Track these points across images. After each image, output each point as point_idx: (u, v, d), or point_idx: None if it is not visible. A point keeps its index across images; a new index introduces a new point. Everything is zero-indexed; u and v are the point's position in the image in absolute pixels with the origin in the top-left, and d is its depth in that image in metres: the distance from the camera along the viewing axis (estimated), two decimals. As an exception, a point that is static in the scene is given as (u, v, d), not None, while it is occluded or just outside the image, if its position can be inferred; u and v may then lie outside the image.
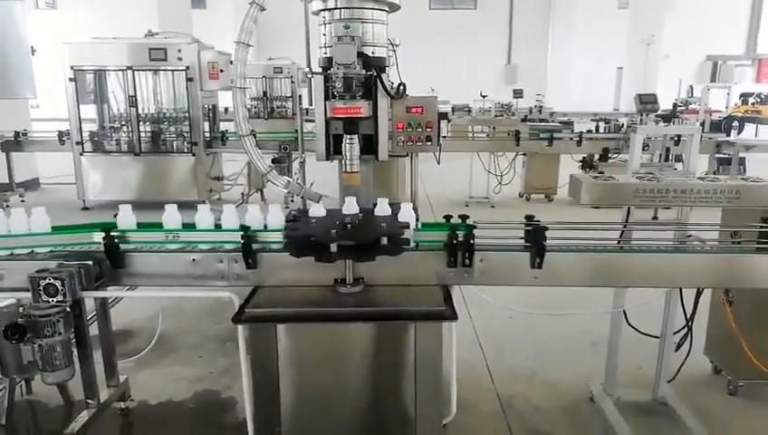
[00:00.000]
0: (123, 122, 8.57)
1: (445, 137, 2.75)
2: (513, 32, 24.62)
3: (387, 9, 2.47)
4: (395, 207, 2.38)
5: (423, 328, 2.15)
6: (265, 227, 2.38)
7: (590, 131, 8.74)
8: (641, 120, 6.96)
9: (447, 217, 2.39)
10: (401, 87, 2.52)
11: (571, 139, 8.08)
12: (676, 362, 3.11)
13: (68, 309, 2.28)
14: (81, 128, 8.32)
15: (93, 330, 2.75)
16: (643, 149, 6.74)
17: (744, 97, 21.02)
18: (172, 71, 8.14)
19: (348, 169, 2.44)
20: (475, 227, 2.33)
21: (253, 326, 2.20)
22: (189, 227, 2.45)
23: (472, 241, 2.31)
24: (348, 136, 2.41)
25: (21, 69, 7.04)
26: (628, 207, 2.84)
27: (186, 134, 8.37)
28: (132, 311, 4.17)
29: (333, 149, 2.51)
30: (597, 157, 7.97)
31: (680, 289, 2.84)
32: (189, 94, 8.09)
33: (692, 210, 2.84)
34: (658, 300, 3.03)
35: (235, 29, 2.45)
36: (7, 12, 6.86)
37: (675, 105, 10.77)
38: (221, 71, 8.02)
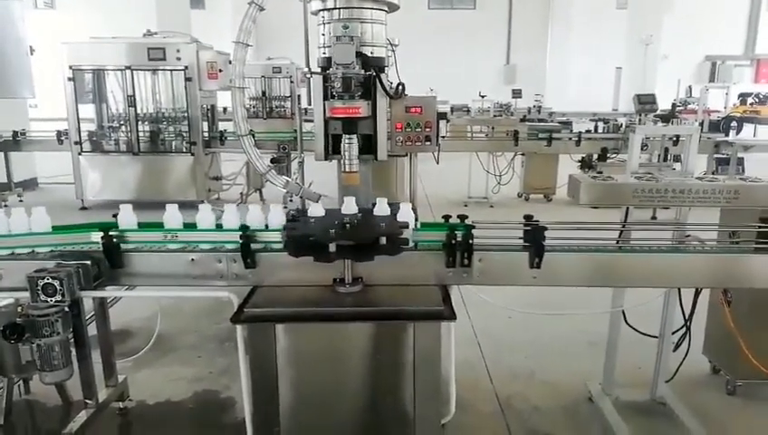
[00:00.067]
0: (122, 122, 8.56)
1: (444, 137, 2.74)
2: (512, 32, 24.65)
3: (386, 9, 2.46)
4: (394, 206, 2.38)
5: (422, 328, 2.15)
6: (266, 226, 2.38)
7: (588, 131, 8.77)
8: (640, 120, 6.94)
9: (446, 217, 2.38)
10: (400, 87, 2.51)
11: (570, 139, 8.09)
12: (674, 362, 3.11)
13: (66, 309, 2.28)
14: (79, 127, 8.32)
15: (92, 330, 2.75)
16: (642, 150, 6.75)
17: (743, 97, 21.07)
18: (171, 70, 8.13)
19: (347, 169, 2.44)
20: (474, 227, 2.33)
21: (251, 326, 2.20)
22: (188, 226, 2.45)
23: (471, 241, 2.31)
24: (347, 136, 2.41)
25: (19, 69, 7.04)
26: (627, 207, 2.84)
27: (184, 134, 8.37)
28: (131, 311, 4.16)
29: (332, 148, 2.51)
30: (596, 157, 7.98)
31: (679, 289, 2.84)
32: (188, 94, 8.08)
33: (690, 210, 2.85)
34: (657, 300, 3.03)
35: (233, 29, 2.44)
36: (6, 11, 6.86)
37: (673, 105, 10.79)
38: (220, 70, 8.02)
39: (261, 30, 17.92)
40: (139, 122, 8.33)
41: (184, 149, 8.36)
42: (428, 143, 2.57)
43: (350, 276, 2.30)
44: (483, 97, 12.58)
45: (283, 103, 11.88)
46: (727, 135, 12.12)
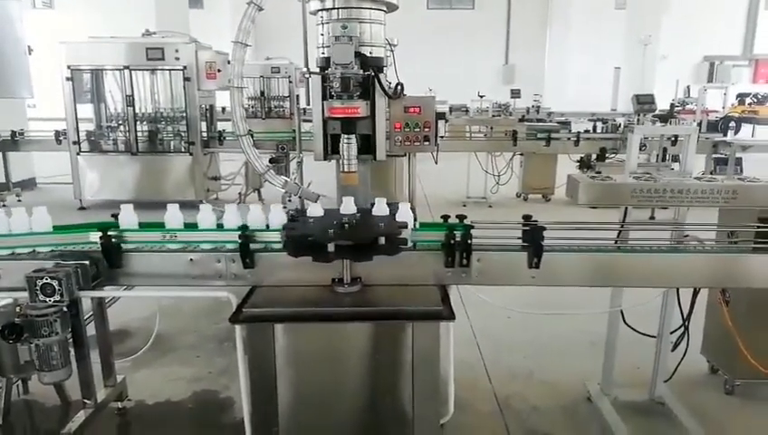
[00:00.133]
0: (120, 122, 8.55)
1: (442, 137, 2.74)
2: (511, 32, 24.66)
3: (384, 9, 2.46)
4: (392, 206, 2.38)
5: (420, 328, 2.15)
6: (267, 226, 2.38)
7: (587, 131, 8.76)
8: (638, 120, 6.95)
9: (445, 217, 2.38)
10: (399, 87, 2.51)
11: (569, 139, 8.10)
12: (672, 362, 3.11)
13: (65, 309, 2.27)
14: (77, 127, 8.31)
15: (90, 330, 2.75)
16: (640, 150, 6.73)
17: (741, 97, 21.08)
18: (169, 70, 8.13)
19: (345, 169, 2.44)
20: (473, 227, 2.33)
21: (250, 326, 2.20)
22: (188, 226, 2.44)
23: (469, 241, 2.31)
24: (345, 136, 2.41)
25: (18, 68, 7.05)
26: (626, 207, 2.84)
27: (183, 134, 8.36)
28: (129, 311, 4.16)
29: (331, 148, 2.51)
30: (594, 157, 7.99)
31: (677, 289, 2.85)
32: (186, 94, 8.08)
33: (689, 210, 2.85)
34: (655, 300, 3.03)
35: (232, 29, 2.44)
36: (4, 11, 6.86)
37: (672, 105, 10.79)
38: (218, 70, 8.02)
39: (260, 30, 17.91)
40: (138, 122, 8.32)
41: (182, 149, 8.36)
42: (427, 143, 2.57)
43: (348, 276, 2.30)
44: (481, 97, 12.60)
45: (281, 103, 11.88)
46: (725, 135, 12.13)
